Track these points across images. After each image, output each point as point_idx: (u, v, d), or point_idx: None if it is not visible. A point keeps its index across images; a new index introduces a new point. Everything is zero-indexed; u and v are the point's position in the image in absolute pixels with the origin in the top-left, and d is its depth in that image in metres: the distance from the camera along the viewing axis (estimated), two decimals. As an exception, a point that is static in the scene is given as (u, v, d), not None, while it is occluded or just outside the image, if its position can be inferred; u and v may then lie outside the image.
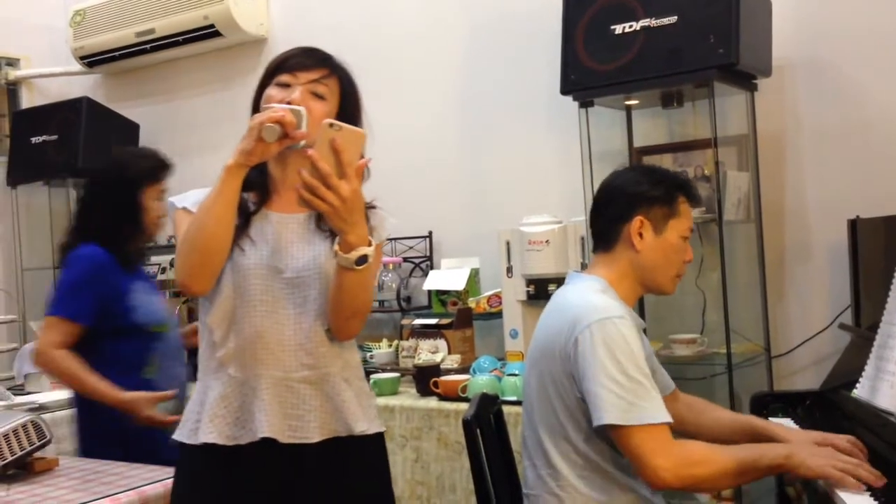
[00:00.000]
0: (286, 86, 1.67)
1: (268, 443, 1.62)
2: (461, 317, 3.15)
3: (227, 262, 1.64)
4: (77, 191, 4.48)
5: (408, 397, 2.92)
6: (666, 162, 2.94)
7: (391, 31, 3.68)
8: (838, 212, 2.65)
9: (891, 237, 2.40)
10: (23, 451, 1.98)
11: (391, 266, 3.41)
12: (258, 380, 1.64)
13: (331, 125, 1.50)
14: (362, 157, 1.54)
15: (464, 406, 2.50)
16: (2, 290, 4.44)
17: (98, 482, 1.96)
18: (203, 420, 1.65)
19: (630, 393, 1.69)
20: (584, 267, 2.81)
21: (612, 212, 1.92)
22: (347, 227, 1.53)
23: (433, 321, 3.18)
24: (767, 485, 2.53)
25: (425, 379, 2.91)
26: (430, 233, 3.52)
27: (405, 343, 3.21)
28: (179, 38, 4.05)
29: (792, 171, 2.89)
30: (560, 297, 1.93)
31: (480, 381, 2.73)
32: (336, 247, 1.56)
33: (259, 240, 1.68)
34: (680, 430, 1.97)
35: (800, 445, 1.77)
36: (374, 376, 2.96)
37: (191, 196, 1.72)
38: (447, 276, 3.27)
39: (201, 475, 1.69)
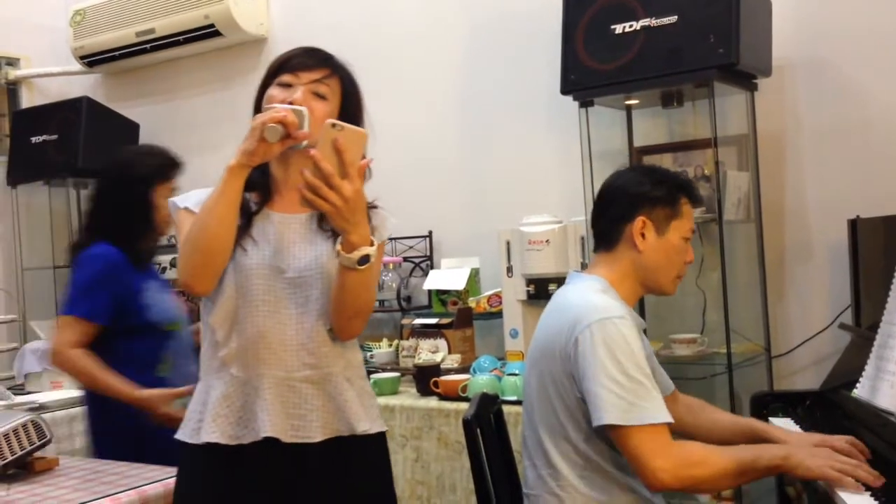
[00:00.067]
0: (288, 86, 1.67)
1: (270, 442, 1.63)
2: (461, 316, 3.16)
3: (230, 262, 1.65)
4: (77, 190, 4.50)
5: (408, 397, 2.92)
6: (666, 162, 2.94)
7: (391, 30, 3.68)
8: (838, 211, 2.65)
9: (891, 237, 2.40)
10: (23, 451, 1.97)
11: (391, 266, 3.41)
12: (260, 379, 1.65)
13: (333, 125, 1.50)
14: (364, 156, 1.54)
15: (464, 406, 2.51)
16: (2, 289, 4.44)
17: (98, 482, 1.96)
18: (205, 420, 1.66)
19: (630, 393, 1.69)
20: (584, 267, 2.81)
21: (615, 212, 1.92)
22: (350, 227, 1.53)
23: (433, 321, 3.18)
24: (767, 485, 2.54)
25: (425, 378, 2.91)
26: (431, 232, 3.52)
27: (405, 343, 3.21)
28: (179, 37, 4.05)
29: (792, 171, 2.89)
30: (560, 296, 1.93)
31: (480, 381, 2.73)
32: (338, 247, 1.57)
33: (261, 240, 1.68)
34: (679, 431, 1.97)
35: (798, 446, 1.77)
36: (374, 376, 2.96)
37: (193, 196, 1.72)
38: (447, 276, 3.27)
39: (204, 475, 1.69)
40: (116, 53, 4.26)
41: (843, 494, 1.58)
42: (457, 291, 3.28)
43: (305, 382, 1.66)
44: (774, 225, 2.88)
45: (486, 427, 1.95)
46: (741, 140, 2.86)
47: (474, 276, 3.30)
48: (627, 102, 2.98)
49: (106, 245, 2.44)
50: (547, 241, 2.90)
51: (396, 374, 3.07)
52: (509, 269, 3.00)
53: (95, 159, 4.16)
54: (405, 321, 3.30)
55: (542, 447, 1.84)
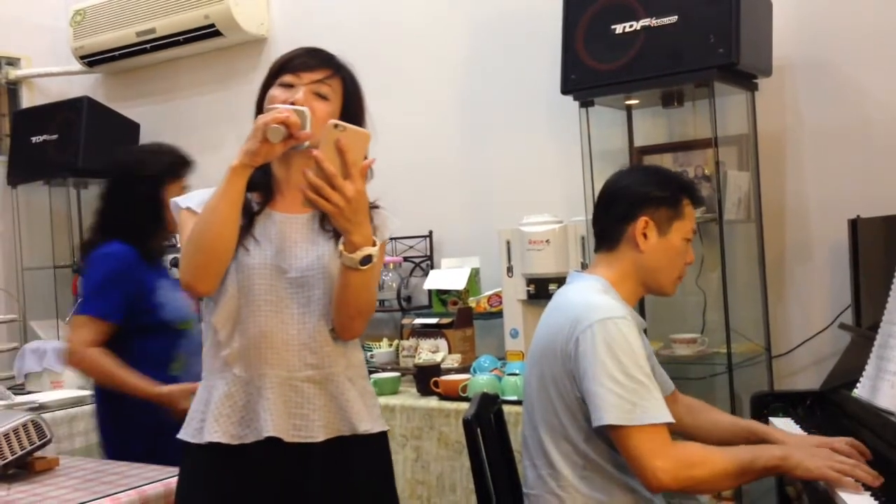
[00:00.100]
0: (290, 86, 1.68)
1: (273, 442, 1.63)
2: (461, 316, 3.16)
3: (232, 261, 1.65)
4: (77, 190, 4.50)
5: (408, 397, 2.92)
6: (666, 162, 2.94)
7: (391, 30, 3.68)
8: (839, 211, 2.65)
9: (891, 237, 2.40)
10: (23, 451, 1.97)
11: (391, 265, 3.41)
12: (263, 379, 1.65)
13: (335, 126, 1.50)
14: (366, 157, 1.55)
15: (464, 406, 2.51)
16: (2, 289, 4.44)
17: (98, 482, 1.96)
18: (208, 419, 1.66)
19: (631, 393, 1.68)
20: (584, 267, 2.81)
21: (617, 211, 1.91)
22: (352, 228, 1.53)
23: (433, 321, 3.18)
24: (767, 485, 2.54)
25: (426, 378, 2.91)
26: (431, 232, 3.52)
27: (405, 342, 3.21)
28: (180, 37, 4.05)
29: (792, 171, 2.89)
30: (561, 296, 1.93)
31: (481, 381, 2.73)
32: (340, 247, 1.57)
33: (263, 240, 1.68)
34: (679, 431, 1.97)
35: (797, 446, 1.77)
36: (374, 376, 2.96)
37: (195, 196, 1.73)
38: (447, 276, 3.27)
39: (206, 474, 1.69)
40: (117, 53, 4.26)
41: (843, 494, 1.58)
42: (457, 291, 3.28)
43: (308, 382, 1.67)
44: (775, 225, 2.88)
45: (487, 427, 1.95)
46: (741, 140, 2.86)
47: (474, 275, 3.30)
48: (628, 102, 2.98)
49: (118, 243, 2.44)
50: (547, 240, 2.90)
51: (397, 373, 3.07)
52: (509, 269, 3.00)
53: (96, 159, 4.17)
54: (405, 321, 3.30)
55: (543, 447, 1.84)
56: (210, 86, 4.25)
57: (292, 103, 1.62)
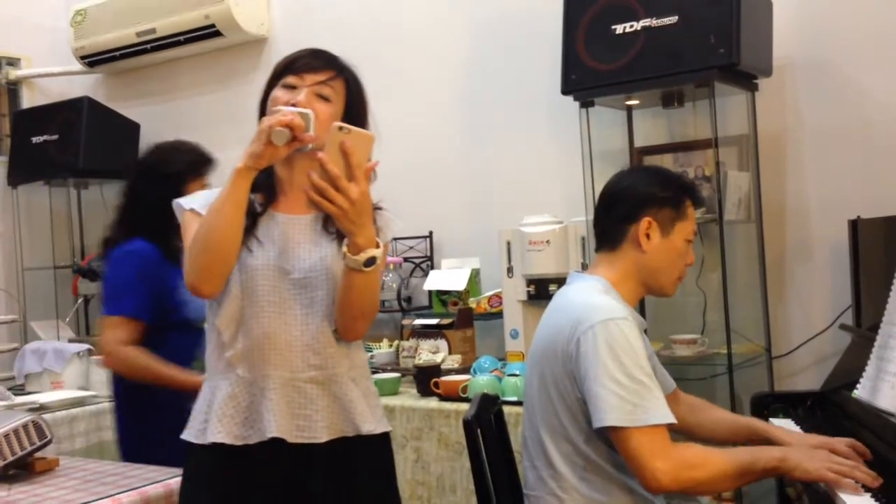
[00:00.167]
0: (292, 87, 1.68)
1: (276, 443, 1.63)
2: (462, 317, 3.15)
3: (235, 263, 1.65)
4: (78, 190, 4.50)
5: (408, 397, 2.92)
6: (666, 162, 2.94)
7: (392, 30, 3.68)
8: (839, 212, 2.65)
9: (891, 237, 2.40)
10: (23, 452, 1.97)
11: (392, 266, 3.41)
12: (266, 380, 1.65)
13: (340, 128, 1.51)
14: (370, 159, 1.55)
15: (464, 406, 2.51)
16: (2, 290, 4.44)
17: (99, 482, 1.96)
18: (211, 420, 1.66)
19: (633, 394, 1.68)
20: (584, 267, 2.81)
21: (620, 212, 1.91)
22: (356, 229, 1.54)
23: (434, 321, 3.18)
24: (768, 486, 2.54)
25: (426, 379, 2.91)
26: (431, 233, 3.52)
27: (406, 343, 3.21)
28: (180, 37, 4.05)
29: (792, 172, 2.89)
30: (562, 297, 1.93)
31: (481, 382, 2.73)
32: (344, 249, 1.58)
33: (266, 241, 1.69)
34: (680, 430, 1.97)
35: (796, 448, 1.77)
36: (374, 376, 2.94)
37: (198, 198, 1.73)
38: (448, 277, 3.27)
39: (209, 475, 1.70)
40: (117, 53, 4.26)
41: (843, 496, 1.58)
42: (457, 292, 3.28)
43: (311, 383, 1.67)
44: (775, 225, 2.88)
45: (487, 428, 1.95)
46: (742, 140, 2.86)
47: (475, 276, 3.30)
48: (628, 103, 2.98)
49: (141, 241, 2.44)
50: (547, 241, 2.90)
51: (397, 374, 3.07)
52: (510, 270, 3.00)
53: (96, 159, 4.18)
54: (405, 322, 3.30)
55: (543, 448, 1.84)
56: (210, 86, 4.26)
57: (294, 105, 1.62)
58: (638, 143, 3.06)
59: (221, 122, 4.05)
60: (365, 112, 1.75)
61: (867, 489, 1.60)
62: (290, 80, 1.69)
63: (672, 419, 1.70)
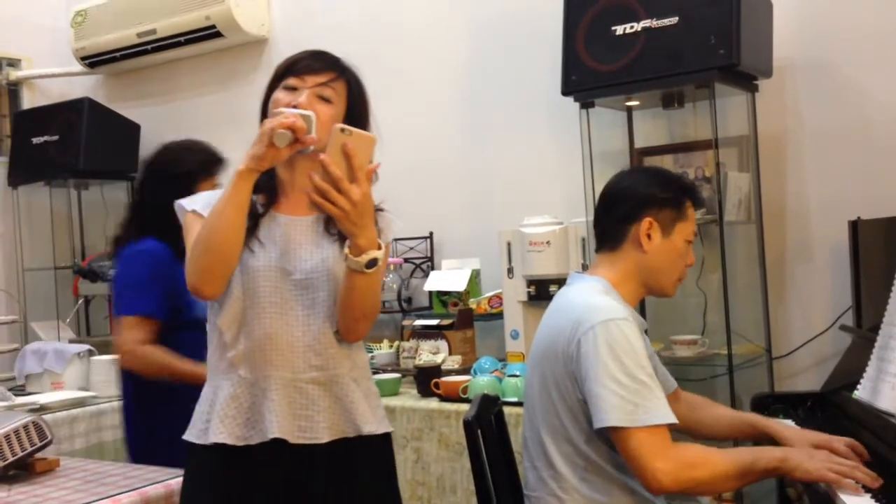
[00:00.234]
0: (293, 89, 1.68)
1: (278, 443, 1.64)
2: (462, 318, 3.15)
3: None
4: (78, 191, 4.50)
5: (408, 398, 2.92)
6: (667, 163, 2.94)
7: (392, 31, 3.68)
8: (839, 213, 2.65)
9: (892, 238, 2.40)
10: (24, 452, 1.97)
11: (392, 267, 3.41)
12: (268, 381, 1.66)
13: (342, 130, 1.51)
14: (371, 161, 1.55)
15: (464, 407, 2.51)
16: (3, 290, 4.44)
17: (99, 483, 1.96)
18: (213, 420, 1.67)
19: (634, 394, 1.68)
20: (585, 268, 2.81)
21: (621, 212, 1.91)
22: (357, 231, 1.54)
23: (434, 322, 3.18)
24: (768, 486, 2.54)
25: (426, 380, 2.91)
26: (431, 234, 3.53)
27: (406, 344, 3.21)
28: (181, 38, 4.06)
29: (793, 172, 2.89)
30: (562, 297, 1.93)
31: (481, 382, 2.73)
32: (346, 250, 1.58)
33: (268, 242, 1.69)
34: (680, 429, 1.97)
35: (796, 448, 1.78)
36: (374, 377, 2.95)
37: (200, 199, 1.74)
38: (448, 277, 3.27)
39: (211, 475, 1.70)
40: (117, 54, 4.26)
41: (843, 496, 1.58)
42: (457, 292, 3.28)
43: (312, 384, 1.67)
44: (775, 226, 2.88)
45: (487, 428, 1.95)
46: (742, 141, 2.86)
47: (475, 277, 3.30)
48: (628, 103, 2.98)
49: (152, 240, 2.43)
50: (548, 242, 2.90)
51: (397, 375, 3.07)
52: (510, 271, 3.00)
53: (96, 160, 4.18)
54: (406, 322, 3.30)
55: (544, 448, 1.84)
56: (211, 87, 4.26)
57: (295, 106, 1.62)
58: (638, 143, 3.06)
59: (222, 122, 4.05)
60: (366, 113, 1.76)
61: (867, 490, 1.60)
62: (292, 81, 1.69)
63: (673, 419, 1.70)
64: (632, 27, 2.67)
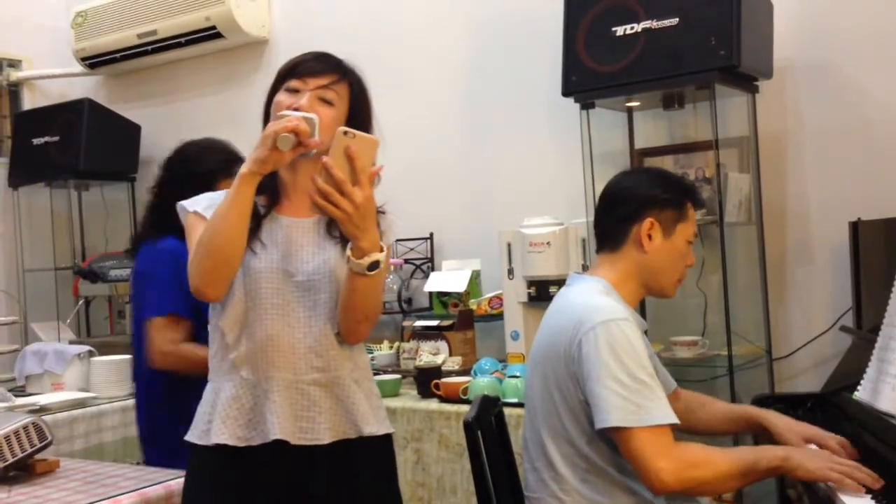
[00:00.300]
0: (295, 91, 1.68)
1: (279, 444, 1.64)
2: (462, 318, 3.15)
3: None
4: (79, 192, 4.50)
5: (409, 399, 2.92)
6: (667, 164, 2.95)
7: (392, 32, 3.68)
8: (840, 214, 2.65)
9: (892, 240, 2.40)
10: (24, 453, 1.97)
11: (392, 268, 3.41)
12: (269, 382, 1.66)
13: (345, 133, 1.52)
14: (374, 163, 1.56)
15: (465, 408, 2.50)
16: (3, 291, 4.44)
17: (99, 484, 1.96)
18: (215, 421, 1.67)
19: (635, 394, 1.68)
20: (585, 269, 2.81)
21: (622, 212, 1.92)
22: (360, 234, 1.54)
23: (434, 323, 3.18)
24: (769, 487, 2.54)
25: (426, 381, 2.91)
26: (431, 234, 3.53)
27: (406, 345, 3.21)
28: (181, 39, 4.06)
29: (793, 173, 2.89)
30: (563, 298, 1.93)
31: (481, 383, 2.73)
32: (348, 252, 1.58)
33: (270, 243, 1.69)
34: (680, 427, 1.97)
35: (798, 448, 1.80)
36: (375, 378, 2.95)
37: (202, 200, 1.74)
38: (448, 278, 3.27)
39: (212, 476, 1.70)
40: (118, 55, 4.27)
41: (844, 497, 1.58)
42: (458, 293, 3.28)
43: (314, 385, 1.67)
44: (775, 227, 2.88)
45: (487, 429, 1.95)
46: (742, 142, 2.86)
47: (475, 278, 3.30)
48: (628, 104, 2.98)
49: (172, 239, 2.42)
50: (548, 243, 2.90)
51: (397, 376, 3.07)
52: (510, 272, 3.00)
53: (97, 161, 4.18)
54: (406, 323, 3.30)
55: (544, 449, 1.84)
56: (211, 87, 4.26)
57: (296, 109, 1.62)
58: (638, 144, 3.06)
59: (222, 123, 4.03)
60: (369, 115, 1.76)
61: (868, 490, 1.60)
62: (294, 83, 1.69)
63: (675, 419, 1.70)
64: (632, 28, 2.67)
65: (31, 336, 4.23)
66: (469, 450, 1.89)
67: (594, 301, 1.82)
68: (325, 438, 1.66)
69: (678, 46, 2.59)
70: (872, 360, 1.96)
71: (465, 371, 2.96)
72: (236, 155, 2.52)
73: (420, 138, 3.55)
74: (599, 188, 2.06)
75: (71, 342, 3.93)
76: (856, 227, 2.53)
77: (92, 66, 4.40)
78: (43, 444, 2.01)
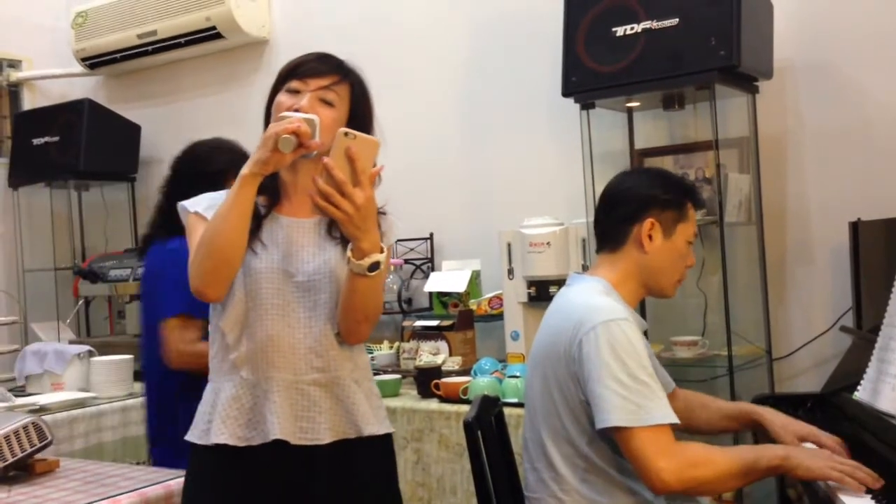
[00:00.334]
0: (296, 92, 1.68)
1: (279, 444, 1.64)
2: (462, 319, 3.15)
3: None
4: (79, 192, 4.50)
5: (409, 399, 2.92)
6: (667, 164, 2.95)
7: (393, 32, 3.68)
8: (840, 214, 2.65)
9: (892, 240, 2.40)
10: (24, 453, 1.97)
11: (392, 268, 3.41)
12: (270, 382, 1.66)
13: (346, 134, 1.52)
14: (375, 164, 1.56)
15: (465, 408, 2.50)
16: (3, 291, 4.44)
17: (99, 484, 1.96)
18: (215, 421, 1.67)
19: (636, 394, 1.69)
20: (584, 269, 2.81)
21: (622, 212, 1.92)
22: (360, 234, 1.55)
23: (434, 323, 3.18)
24: (769, 487, 2.54)
25: (426, 381, 2.91)
26: (432, 234, 3.52)
27: (406, 345, 3.21)
28: (181, 39, 4.06)
29: (793, 174, 2.89)
30: (563, 298, 1.93)
31: (481, 383, 2.73)
32: (349, 253, 1.58)
33: (270, 244, 1.69)
34: (679, 426, 1.97)
35: (798, 447, 1.80)
36: (375, 378, 2.95)
37: (202, 201, 1.74)
38: (448, 278, 3.27)
39: (212, 476, 1.70)
40: (118, 55, 4.26)
41: (844, 497, 1.58)
42: (458, 293, 3.28)
43: (314, 385, 1.68)
44: (775, 227, 2.88)
45: (487, 429, 1.95)
46: (742, 142, 2.86)
47: (475, 278, 3.30)
48: (629, 104, 2.98)
49: (181, 239, 2.42)
50: (548, 243, 2.90)
51: (397, 376, 3.07)
52: (510, 272, 3.00)
53: (97, 161, 4.18)
54: (406, 323, 3.30)
55: (544, 450, 1.84)
56: (211, 88, 4.26)
57: (297, 110, 1.62)
58: (638, 144, 3.06)
59: (222, 123, 4.01)
60: (370, 116, 1.76)
61: (868, 490, 1.60)
62: (295, 84, 1.69)
63: (675, 419, 1.70)
64: (632, 28, 2.67)
65: (31, 336, 4.23)
66: (469, 450, 1.89)
67: (594, 301, 1.82)
68: (326, 438, 1.66)
69: (678, 47, 2.59)
70: (872, 360, 1.96)
71: (465, 371, 2.96)
72: (245, 155, 2.51)
73: (420, 138, 3.55)
74: (599, 188, 2.06)
75: (71, 342, 3.93)
76: (856, 228, 2.53)
77: (92, 67, 4.40)
78: (43, 443, 2.01)
